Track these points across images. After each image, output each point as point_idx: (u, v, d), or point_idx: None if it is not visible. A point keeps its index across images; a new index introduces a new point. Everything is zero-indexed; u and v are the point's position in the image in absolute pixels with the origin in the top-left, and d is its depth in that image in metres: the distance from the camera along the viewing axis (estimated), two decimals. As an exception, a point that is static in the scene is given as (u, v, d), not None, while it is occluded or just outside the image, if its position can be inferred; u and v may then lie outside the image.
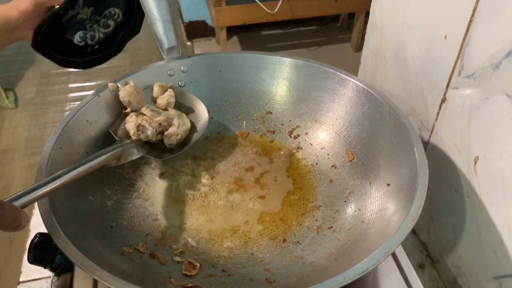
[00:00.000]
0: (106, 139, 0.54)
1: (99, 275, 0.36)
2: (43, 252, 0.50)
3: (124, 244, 0.47)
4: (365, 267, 0.36)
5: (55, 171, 0.42)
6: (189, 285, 0.43)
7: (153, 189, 0.56)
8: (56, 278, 0.53)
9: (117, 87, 0.55)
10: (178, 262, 0.47)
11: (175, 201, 0.55)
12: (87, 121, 0.53)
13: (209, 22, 2.01)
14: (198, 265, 0.46)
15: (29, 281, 0.57)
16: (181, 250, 0.49)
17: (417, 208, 0.40)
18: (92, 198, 0.50)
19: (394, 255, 0.53)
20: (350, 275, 0.35)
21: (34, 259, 0.50)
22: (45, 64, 1.93)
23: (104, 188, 0.53)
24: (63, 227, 0.39)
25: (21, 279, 0.57)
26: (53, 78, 1.84)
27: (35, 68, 1.90)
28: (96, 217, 0.49)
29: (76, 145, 0.51)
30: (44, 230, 0.53)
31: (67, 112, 0.50)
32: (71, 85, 1.81)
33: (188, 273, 0.45)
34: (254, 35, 2.04)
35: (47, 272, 0.52)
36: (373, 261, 0.36)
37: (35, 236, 0.51)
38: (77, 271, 0.49)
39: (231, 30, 2.01)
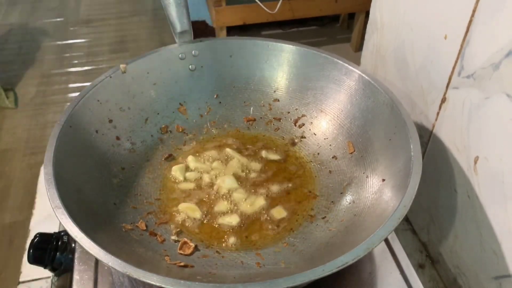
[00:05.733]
0: (115, 119, 0.56)
1: (95, 252, 0.37)
2: (43, 252, 0.50)
3: (125, 221, 0.49)
4: (345, 261, 0.36)
5: (63, 149, 0.43)
6: (182, 264, 0.44)
7: (159, 170, 0.58)
8: (56, 278, 0.53)
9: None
10: (175, 241, 0.49)
11: (179, 182, 0.56)
12: (98, 101, 0.54)
13: (209, 22, 2.01)
14: (193, 245, 0.48)
15: (29, 281, 0.57)
16: (179, 229, 0.50)
17: (404, 206, 0.40)
18: (98, 175, 0.51)
19: (394, 255, 0.53)
20: (330, 267, 0.35)
21: (34, 259, 0.50)
22: (45, 64, 1.93)
23: (111, 166, 0.54)
24: (65, 202, 0.40)
25: (21, 279, 0.57)
26: (53, 78, 1.84)
27: (35, 68, 1.90)
28: (101, 193, 0.50)
29: (86, 124, 0.53)
30: (44, 230, 0.53)
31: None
32: (71, 85, 1.81)
33: (183, 253, 0.47)
34: (254, 35, 2.04)
35: (47, 272, 0.53)
36: (353, 256, 0.36)
37: (35, 236, 0.51)
38: (77, 271, 0.50)
39: (231, 30, 2.01)
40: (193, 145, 0.62)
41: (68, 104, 0.52)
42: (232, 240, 0.50)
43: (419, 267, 0.63)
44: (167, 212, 0.53)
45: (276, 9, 1.65)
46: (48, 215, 0.64)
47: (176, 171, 0.57)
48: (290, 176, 0.58)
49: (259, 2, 1.62)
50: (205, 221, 0.52)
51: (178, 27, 0.58)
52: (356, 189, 0.52)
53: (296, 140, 0.62)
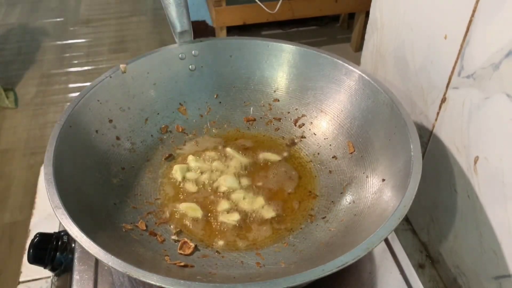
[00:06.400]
0: (115, 119, 0.56)
1: (95, 252, 0.37)
2: (43, 252, 0.50)
3: (125, 221, 0.49)
4: (345, 261, 0.36)
5: (63, 149, 0.44)
6: (182, 264, 0.44)
7: (159, 170, 0.58)
8: (56, 278, 0.53)
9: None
10: (175, 241, 0.49)
11: (179, 182, 0.56)
12: (98, 101, 0.54)
13: (209, 22, 2.01)
14: (193, 245, 0.48)
15: (29, 281, 0.57)
16: (179, 229, 0.50)
17: (404, 206, 0.40)
18: (98, 175, 0.51)
19: (394, 255, 0.53)
20: (330, 267, 0.35)
21: (34, 259, 0.50)
22: (45, 64, 1.93)
23: (111, 166, 0.54)
24: (65, 202, 0.40)
25: (21, 279, 0.57)
26: (53, 78, 1.84)
27: (35, 68, 1.90)
28: (101, 193, 0.50)
29: (86, 124, 0.53)
30: (44, 230, 0.53)
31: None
32: (71, 85, 1.81)
33: (183, 252, 0.47)
34: (254, 35, 2.04)
35: (47, 272, 0.53)
36: (353, 256, 0.36)
37: (35, 236, 0.51)
38: (77, 271, 0.50)
39: (231, 30, 2.01)
40: (193, 145, 0.62)
41: (68, 104, 0.52)
42: (232, 239, 0.50)
43: (419, 267, 0.63)
44: (167, 212, 0.53)
45: (276, 9, 1.65)
46: (48, 215, 0.64)
47: (176, 171, 0.57)
48: (290, 176, 0.58)
49: (259, 2, 1.62)
50: (205, 221, 0.52)
51: (178, 27, 0.58)
52: (356, 189, 0.52)
53: (296, 140, 0.62)
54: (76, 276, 0.49)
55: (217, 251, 0.48)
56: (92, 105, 0.54)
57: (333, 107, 0.60)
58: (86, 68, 1.91)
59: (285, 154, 0.60)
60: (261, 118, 0.64)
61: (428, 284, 0.61)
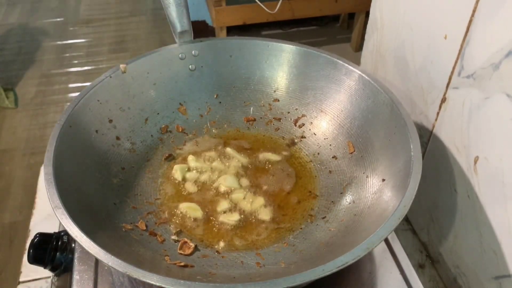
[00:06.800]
0: (115, 119, 0.56)
1: (95, 252, 0.37)
2: (43, 252, 0.50)
3: (125, 221, 0.49)
4: (345, 261, 0.36)
5: (63, 149, 0.44)
6: (182, 264, 0.44)
7: (159, 170, 0.58)
8: (56, 278, 0.53)
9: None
10: (175, 241, 0.49)
11: (179, 182, 0.56)
12: (98, 101, 0.54)
13: (209, 22, 2.01)
14: (193, 245, 0.48)
15: (29, 281, 0.57)
16: (179, 229, 0.50)
17: (404, 206, 0.40)
18: (98, 175, 0.51)
19: (394, 255, 0.53)
20: (330, 267, 0.35)
21: (34, 259, 0.50)
22: (45, 64, 1.93)
23: (111, 166, 0.54)
24: (65, 202, 0.40)
25: (21, 279, 0.57)
26: (53, 78, 1.84)
27: (35, 68, 1.90)
28: (101, 193, 0.50)
29: (86, 124, 0.53)
30: (44, 230, 0.53)
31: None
32: (71, 85, 1.81)
33: (183, 252, 0.47)
34: (254, 35, 2.04)
35: (47, 272, 0.53)
36: (353, 256, 0.36)
37: (35, 236, 0.51)
38: (77, 271, 0.50)
39: (231, 30, 2.01)
40: (193, 145, 0.62)
41: (68, 104, 0.52)
42: (232, 239, 0.50)
43: (419, 267, 0.63)
44: (167, 212, 0.53)
45: (276, 9, 1.65)
46: (48, 215, 0.64)
47: (176, 171, 0.57)
48: (288, 173, 0.57)
49: (259, 2, 1.62)
50: (205, 221, 0.52)
51: (178, 27, 0.58)
52: (356, 189, 0.52)
53: (296, 140, 0.62)
54: (76, 276, 0.49)
55: (217, 251, 0.48)
56: (92, 105, 0.54)
57: (333, 107, 0.60)
58: (86, 68, 1.91)
59: (285, 154, 0.60)
60: (261, 118, 0.64)
61: (428, 284, 0.61)
